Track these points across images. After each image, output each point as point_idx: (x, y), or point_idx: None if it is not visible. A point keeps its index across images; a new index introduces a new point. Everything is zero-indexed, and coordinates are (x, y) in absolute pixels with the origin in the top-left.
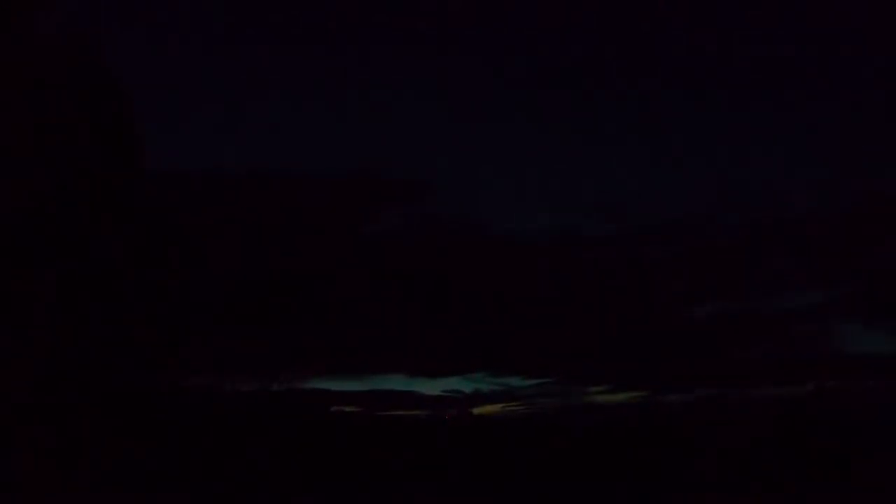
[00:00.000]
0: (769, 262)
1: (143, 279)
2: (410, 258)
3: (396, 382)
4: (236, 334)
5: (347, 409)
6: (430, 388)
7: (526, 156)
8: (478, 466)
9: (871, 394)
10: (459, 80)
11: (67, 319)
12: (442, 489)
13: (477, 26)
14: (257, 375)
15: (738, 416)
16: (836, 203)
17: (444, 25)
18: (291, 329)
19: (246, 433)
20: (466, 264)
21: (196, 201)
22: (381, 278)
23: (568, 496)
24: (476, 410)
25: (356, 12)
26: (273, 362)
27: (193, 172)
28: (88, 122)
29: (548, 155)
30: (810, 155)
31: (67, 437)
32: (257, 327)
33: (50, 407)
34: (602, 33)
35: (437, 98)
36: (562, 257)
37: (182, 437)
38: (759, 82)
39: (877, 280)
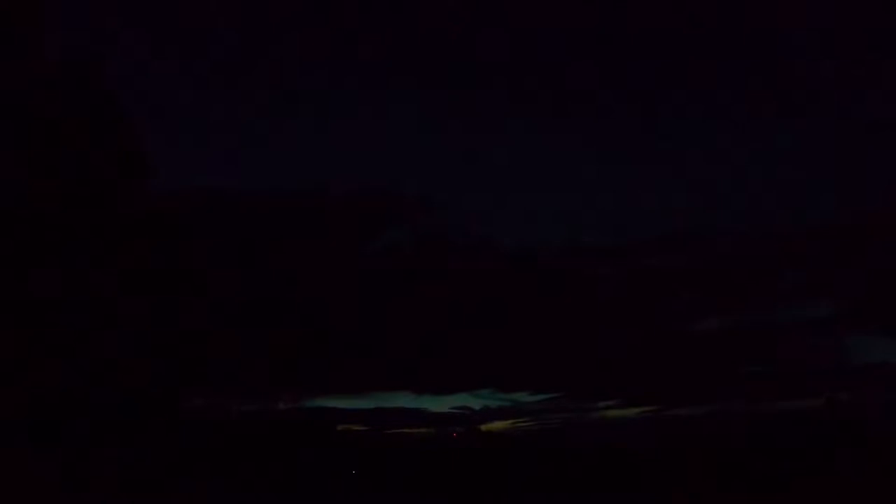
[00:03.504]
0: (776, 274)
1: (148, 298)
2: (415, 275)
3: (404, 400)
4: (241, 353)
5: (354, 427)
6: (438, 405)
7: (529, 172)
8: (488, 483)
9: (881, 404)
10: (462, 98)
11: (73, 338)
12: None
13: (481, 47)
14: (262, 394)
15: (748, 429)
16: (841, 215)
17: (448, 46)
18: (297, 347)
19: (251, 453)
20: (471, 280)
21: (201, 221)
22: (386, 295)
23: None
24: (485, 427)
25: (360, 32)
26: (278, 381)
27: (199, 191)
28: (93, 139)
29: (551, 171)
30: (812, 168)
31: (71, 455)
32: (262, 345)
33: (55, 425)
34: (602, 49)
35: (440, 116)
36: (567, 271)
37: (186, 458)
38: (762, 96)
39: (883, 290)
